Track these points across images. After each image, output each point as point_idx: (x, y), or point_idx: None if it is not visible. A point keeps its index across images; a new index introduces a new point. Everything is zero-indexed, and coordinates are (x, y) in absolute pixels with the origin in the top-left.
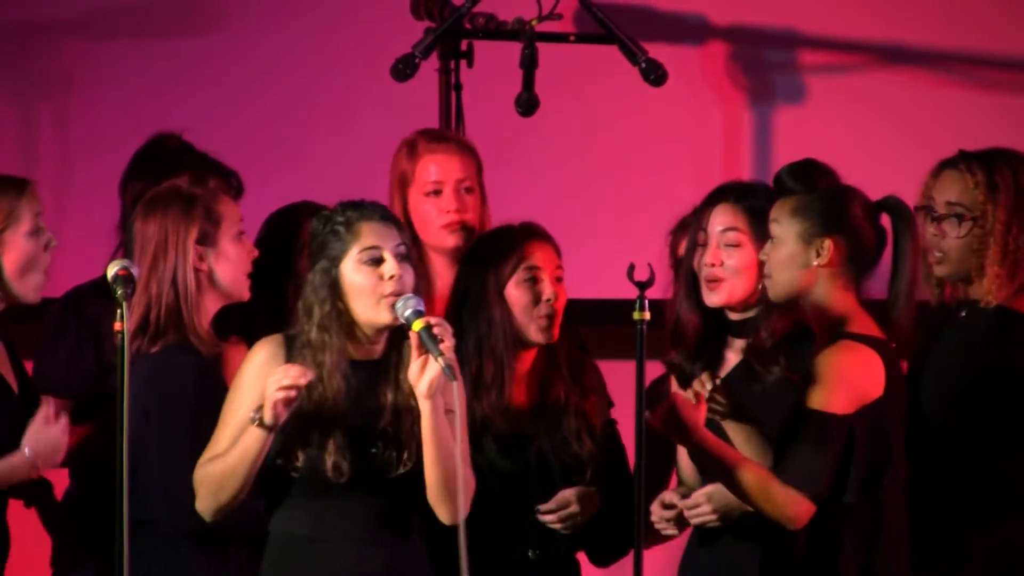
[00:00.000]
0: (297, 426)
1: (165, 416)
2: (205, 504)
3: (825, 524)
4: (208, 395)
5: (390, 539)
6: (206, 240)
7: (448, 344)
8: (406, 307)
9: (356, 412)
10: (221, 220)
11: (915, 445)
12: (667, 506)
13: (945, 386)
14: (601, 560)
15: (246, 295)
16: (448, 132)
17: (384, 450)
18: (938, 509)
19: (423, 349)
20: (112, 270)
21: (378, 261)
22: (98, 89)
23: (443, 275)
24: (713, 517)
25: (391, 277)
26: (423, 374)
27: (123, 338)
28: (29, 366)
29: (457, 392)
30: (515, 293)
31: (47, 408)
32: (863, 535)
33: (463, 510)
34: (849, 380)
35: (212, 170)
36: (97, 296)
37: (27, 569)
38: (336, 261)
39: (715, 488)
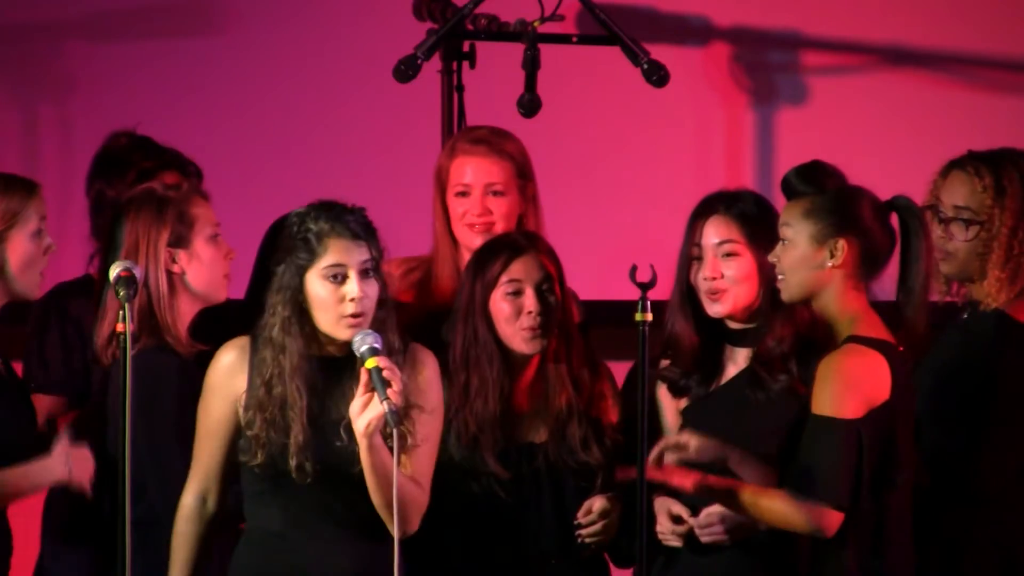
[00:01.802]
0: (260, 425)
1: (149, 417)
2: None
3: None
4: (189, 393)
5: (361, 536)
6: (179, 242)
7: (396, 390)
8: (363, 343)
9: (320, 407)
10: (194, 222)
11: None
12: (675, 518)
13: (946, 389)
14: (624, 562)
15: (222, 296)
16: (488, 134)
17: (349, 444)
18: (937, 508)
19: (371, 387)
20: (114, 271)
21: (342, 279)
22: (99, 90)
23: None
24: (725, 538)
25: (352, 299)
26: (363, 412)
27: (126, 339)
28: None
29: (396, 437)
30: (498, 306)
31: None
32: (869, 538)
33: (404, 527)
34: (856, 384)
35: (168, 162)
36: (80, 295)
37: (29, 569)
38: (302, 270)
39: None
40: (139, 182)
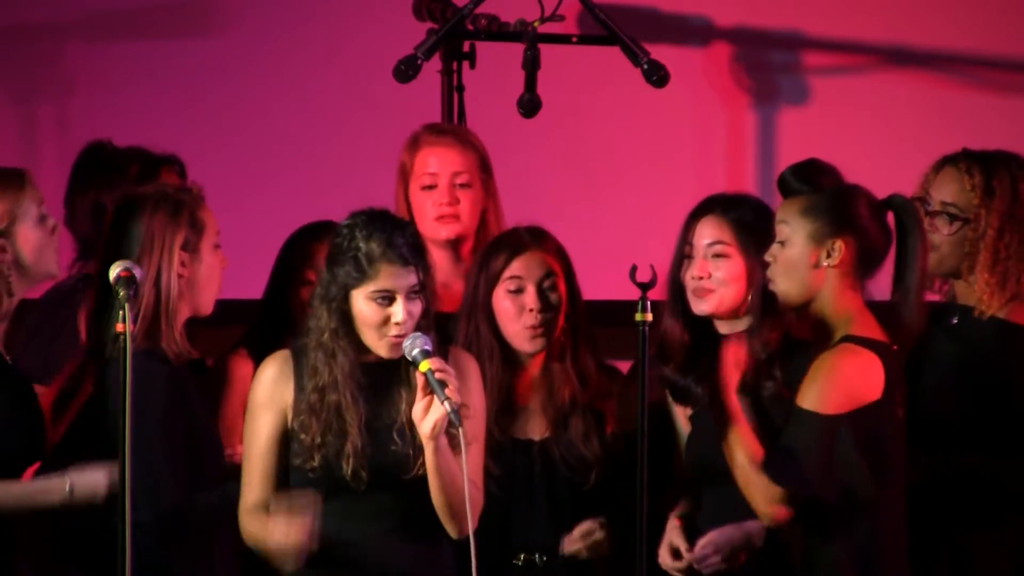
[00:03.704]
0: (314, 430)
1: (134, 423)
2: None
3: (824, 527)
4: (177, 400)
5: (414, 539)
6: (188, 247)
7: (453, 387)
8: (413, 346)
9: (373, 412)
10: (204, 228)
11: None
12: (675, 551)
13: (945, 396)
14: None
15: (210, 307)
16: (451, 126)
17: (403, 447)
18: (943, 513)
19: (428, 389)
20: (114, 272)
21: (389, 301)
22: (99, 91)
23: (441, 267)
24: (724, 566)
25: (397, 323)
26: (427, 415)
27: (125, 340)
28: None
29: (461, 434)
30: (501, 303)
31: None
32: (863, 537)
33: (471, 525)
34: (845, 382)
35: (152, 160)
36: (75, 294)
37: None
38: (349, 287)
39: (718, 535)
40: (141, 178)
